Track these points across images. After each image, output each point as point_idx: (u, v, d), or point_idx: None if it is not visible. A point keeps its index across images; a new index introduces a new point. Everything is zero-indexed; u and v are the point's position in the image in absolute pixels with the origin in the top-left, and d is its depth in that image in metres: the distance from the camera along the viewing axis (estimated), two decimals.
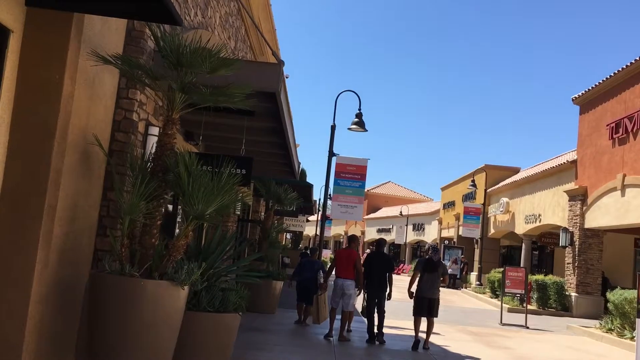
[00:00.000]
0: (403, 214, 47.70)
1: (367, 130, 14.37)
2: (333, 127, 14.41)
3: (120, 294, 4.65)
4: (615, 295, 13.54)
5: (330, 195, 19.81)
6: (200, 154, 7.68)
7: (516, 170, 32.29)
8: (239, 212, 13.57)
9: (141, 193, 4.86)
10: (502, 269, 25.17)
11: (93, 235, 5.63)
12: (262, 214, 21.58)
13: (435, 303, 10.02)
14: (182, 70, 4.94)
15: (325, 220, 14.69)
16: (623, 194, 17.90)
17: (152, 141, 6.04)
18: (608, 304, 13.79)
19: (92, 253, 5.66)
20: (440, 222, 41.17)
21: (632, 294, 13.11)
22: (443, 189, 42.07)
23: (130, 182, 5.14)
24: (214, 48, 5.10)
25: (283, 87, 6.59)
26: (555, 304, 20.62)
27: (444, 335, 12.22)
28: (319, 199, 36.35)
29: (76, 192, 5.14)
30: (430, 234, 44.63)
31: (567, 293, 20.57)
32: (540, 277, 21.41)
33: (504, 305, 20.95)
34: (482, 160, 53.79)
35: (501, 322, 15.83)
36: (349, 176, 14.34)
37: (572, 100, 22.09)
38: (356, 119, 14.30)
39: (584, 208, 20.47)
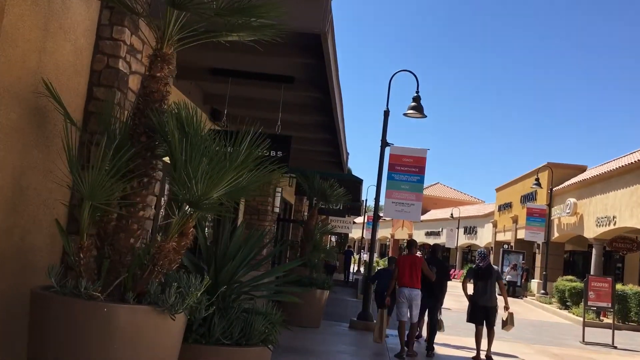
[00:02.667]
0: (454, 216, 45.14)
1: (425, 116, 12.38)
2: (387, 113, 12.44)
3: (71, 325, 2.90)
4: None
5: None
6: (220, 131, 5.92)
7: (582, 169, 29.49)
8: (277, 209, 11.82)
9: (112, 167, 3.10)
10: (571, 277, 22.80)
11: (57, 233, 3.91)
12: (305, 213, 19.82)
13: (492, 312, 9.47)
14: None
15: (377, 219, 12.77)
16: None
17: None
18: None
19: (60, 259, 3.95)
20: (494, 225, 38.52)
21: None
22: (498, 189, 39.38)
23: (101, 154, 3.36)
24: None
25: (330, 30, 4.73)
26: (637, 317, 18.06)
27: (524, 358, 10.14)
28: (366, 199, 34.43)
29: (21, 167, 3.43)
30: (484, 238, 42.00)
31: None
32: (619, 286, 18.81)
33: (578, 318, 18.58)
34: (537, 162, 50.38)
35: (583, 340, 13.55)
36: (405, 169, 12.34)
37: None
38: (413, 103, 12.30)
39: None
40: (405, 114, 12.45)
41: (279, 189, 11.95)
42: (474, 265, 9.99)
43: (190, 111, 3.31)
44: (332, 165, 11.84)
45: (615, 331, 16.68)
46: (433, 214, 54.58)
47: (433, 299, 9.60)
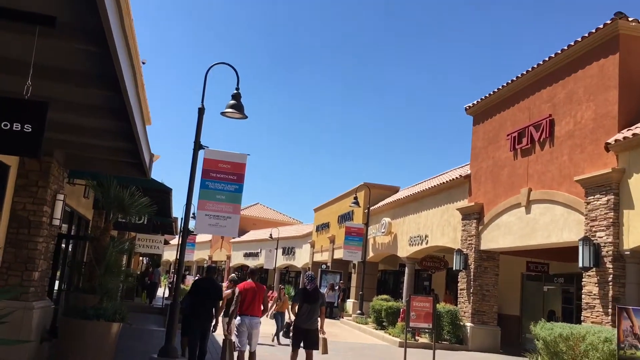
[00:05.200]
0: (273, 236, 44.35)
1: (246, 117, 10.85)
2: (201, 110, 10.67)
3: None
4: (545, 331, 11.13)
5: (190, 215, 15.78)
6: None
7: (395, 190, 30.41)
8: (57, 221, 9.29)
9: None
10: (386, 297, 22.76)
11: None
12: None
13: (313, 334, 9.46)
14: None
15: (187, 234, 10.83)
16: (528, 211, 16.02)
17: None
18: (536, 341, 11.37)
19: None
20: (312, 246, 38.40)
21: (567, 329, 10.76)
22: (316, 209, 39.47)
23: None
24: None
25: None
26: (449, 335, 18.26)
27: None
28: (181, 218, 31.86)
29: None
30: (302, 258, 41.75)
31: (461, 323, 18.32)
32: None
33: (394, 338, 18.32)
34: (353, 184, 50.73)
35: None
36: (222, 176, 10.64)
37: (465, 109, 20.32)
38: (232, 101, 10.70)
39: (480, 227, 18.49)
40: (222, 113, 10.80)
41: (61, 195, 9.46)
42: (301, 288, 9.93)
43: None
44: (130, 167, 9.68)
45: (428, 350, 16.61)
46: (252, 235, 53.50)
47: (202, 327, 9.79)
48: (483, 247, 18.28)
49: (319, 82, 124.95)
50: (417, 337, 17.97)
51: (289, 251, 44.43)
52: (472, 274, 18.44)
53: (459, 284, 19.29)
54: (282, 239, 44.56)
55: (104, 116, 6.76)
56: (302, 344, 9.44)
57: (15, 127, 4.32)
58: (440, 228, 21.43)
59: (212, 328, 10.16)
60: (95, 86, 5.62)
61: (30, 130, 4.34)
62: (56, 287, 12.76)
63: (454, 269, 19.25)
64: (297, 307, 9.52)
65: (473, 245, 18.54)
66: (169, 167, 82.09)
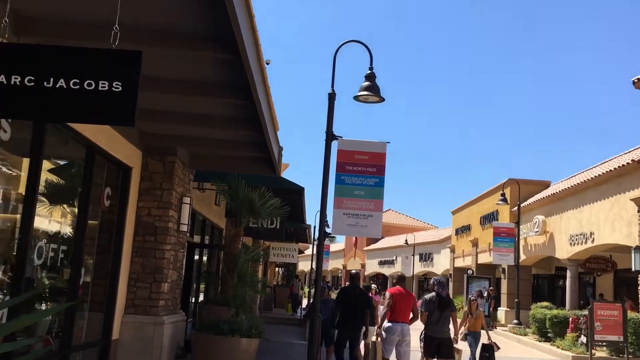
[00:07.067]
0: (409, 242, 42.45)
1: (383, 99, 9.40)
2: (332, 96, 9.37)
3: None
4: None
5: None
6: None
7: (546, 185, 27.25)
8: (185, 227, 8.47)
9: None
10: (547, 304, 20.08)
11: None
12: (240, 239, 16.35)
13: (447, 343, 9.01)
14: None
15: (324, 236, 9.57)
16: None
17: None
18: None
19: None
20: (452, 250, 35.92)
21: None
22: (454, 212, 36.96)
23: None
24: None
25: None
26: (632, 347, 15.19)
27: None
28: (315, 226, 31.16)
29: None
30: (440, 265, 39.42)
31: None
32: None
33: (565, 352, 15.77)
34: (488, 183, 46.43)
35: None
36: (359, 169, 9.26)
37: (634, 83, 17.23)
38: (367, 82, 9.30)
39: None
40: (356, 98, 9.43)
41: (188, 199, 8.63)
42: (433, 294, 9.19)
43: None
44: (258, 163, 8.63)
45: None
46: (386, 242, 51.86)
47: (353, 332, 9.53)
48: None
49: (446, 69, 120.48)
50: (593, 351, 15.27)
51: (426, 257, 42.28)
52: None
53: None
54: (418, 244, 42.53)
55: (224, 95, 5.63)
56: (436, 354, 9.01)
57: (102, 87, 3.21)
58: (609, 223, 18.41)
59: (361, 336, 9.90)
60: (208, 49, 4.45)
61: (120, 89, 3.21)
62: (192, 300, 12.17)
63: (632, 269, 16.23)
64: (426, 315, 9.10)
65: None
66: (300, 176, 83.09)
